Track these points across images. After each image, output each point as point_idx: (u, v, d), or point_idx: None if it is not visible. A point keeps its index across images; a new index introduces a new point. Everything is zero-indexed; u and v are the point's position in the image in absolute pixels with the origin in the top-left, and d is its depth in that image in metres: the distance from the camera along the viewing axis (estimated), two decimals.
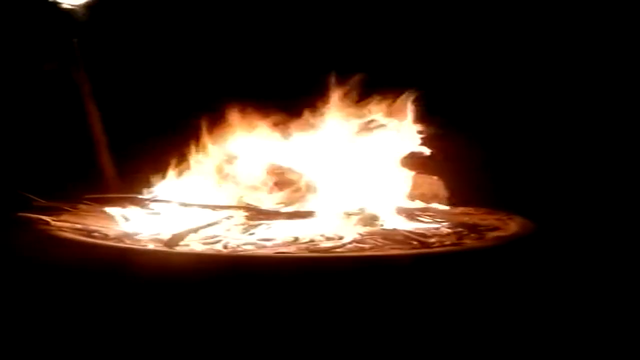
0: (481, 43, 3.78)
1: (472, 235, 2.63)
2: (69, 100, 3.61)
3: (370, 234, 2.59)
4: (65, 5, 3.44)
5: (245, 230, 2.62)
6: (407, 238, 2.56)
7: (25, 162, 3.59)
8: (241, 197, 2.85)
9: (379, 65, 3.31)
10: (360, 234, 2.57)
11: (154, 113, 3.74)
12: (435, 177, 3.02)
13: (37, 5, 3.54)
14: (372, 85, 2.97)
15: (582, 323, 2.77)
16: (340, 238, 2.53)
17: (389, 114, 2.96)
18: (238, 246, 2.47)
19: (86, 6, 3.47)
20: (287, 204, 2.79)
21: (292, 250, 2.43)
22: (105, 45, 3.74)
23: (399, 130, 2.95)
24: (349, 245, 2.47)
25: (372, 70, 2.94)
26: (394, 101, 2.96)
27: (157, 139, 3.17)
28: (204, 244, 2.49)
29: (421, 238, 2.56)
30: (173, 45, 3.83)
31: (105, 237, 2.55)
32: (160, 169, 2.97)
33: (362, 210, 2.72)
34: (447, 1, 3.79)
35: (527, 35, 3.75)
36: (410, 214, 2.80)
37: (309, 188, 2.82)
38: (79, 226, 2.65)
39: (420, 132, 2.95)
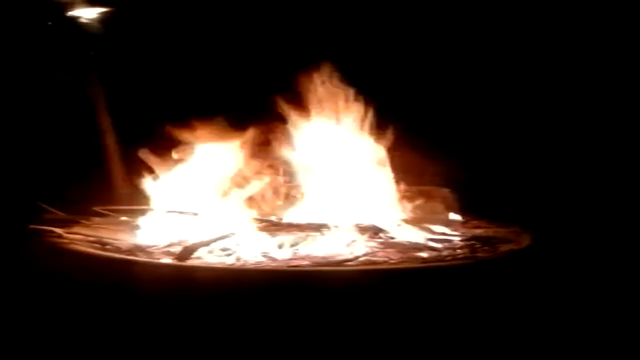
0: (483, 45, 3.78)
1: (485, 248, 2.62)
2: (82, 110, 3.62)
3: (382, 247, 2.58)
4: (82, 19, 3.47)
5: (258, 242, 2.62)
6: (419, 251, 2.55)
7: (37, 172, 3.60)
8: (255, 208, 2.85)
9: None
10: (372, 247, 2.57)
11: (166, 123, 3.74)
12: (446, 190, 3.01)
13: (54, 18, 3.57)
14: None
15: (589, 336, 2.75)
16: (352, 251, 2.53)
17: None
18: (250, 259, 2.47)
19: (102, 20, 3.49)
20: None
21: (304, 263, 2.42)
22: (118, 57, 3.75)
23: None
24: (361, 259, 2.46)
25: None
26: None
27: (168, 149, 3.16)
28: (216, 257, 2.49)
29: (434, 251, 2.55)
30: (185, 55, 3.84)
31: (117, 249, 2.55)
32: (171, 179, 2.97)
33: (372, 223, 2.72)
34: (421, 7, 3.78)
35: (526, 35, 3.74)
36: (423, 227, 2.79)
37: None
38: (91, 238, 2.65)
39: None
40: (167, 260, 2.45)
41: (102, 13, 3.54)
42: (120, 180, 3.52)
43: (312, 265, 2.40)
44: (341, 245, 2.58)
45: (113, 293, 2.38)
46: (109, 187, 3.51)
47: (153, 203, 2.91)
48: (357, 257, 2.46)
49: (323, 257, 2.47)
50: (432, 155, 3.19)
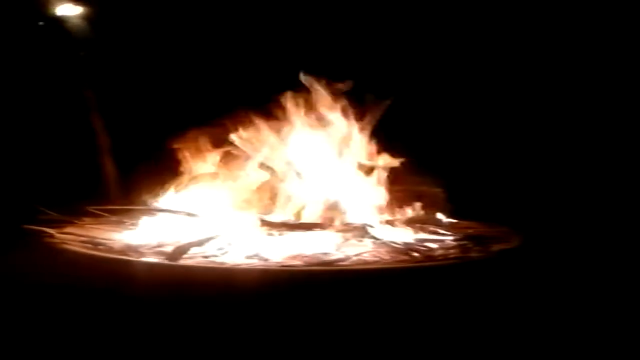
0: (476, 48, 3.79)
1: (477, 247, 2.63)
2: (75, 111, 3.62)
3: (374, 247, 2.59)
4: (72, 20, 3.47)
5: (250, 242, 2.62)
6: (411, 251, 2.56)
7: (29, 173, 3.60)
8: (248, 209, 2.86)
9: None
10: (364, 247, 2.57)
11: (158, 123, 3.74)
12: (439, 190, 3.02)
13: (45, 19, 3.57)
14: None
15: (579, 334, 2.76)
16: (345, 251, 2.53)
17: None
18: (242, 259, 2.47)
19: (93, 20, 3.49)
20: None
21: (296, 263, 2.42)
22: (109, 57, 3.75)
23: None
24: (354, 259, 2.46)
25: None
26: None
27: (160, 149, 3.17)
28: (207, 257, 2.49)
29: (426, 251, 2.56)
30: (177, 56, 3.84)
31: (109, 249, 2.55)
32: (164, 179, 2.97)
33: (364, 223, 2.73)
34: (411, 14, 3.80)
35: (514, 40, 3.76)
36: (415, 227, 2.80)
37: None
38: (83, 238, 2.65)
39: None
40: (158, 260, 2.45)
41: (93, 13, 3.54)
42: (113, 180, 3.52)
43: (305, 265, 2.40)
44: (333, 245, 2.58)
45: (105, 292, 2.38)
46: (101, 187, 3.51)
47: (145, 203, 2.91)
48: (349, 257, 2.46)
49: (315, 257, 2.47)
50: (424, 158, 3.19)
